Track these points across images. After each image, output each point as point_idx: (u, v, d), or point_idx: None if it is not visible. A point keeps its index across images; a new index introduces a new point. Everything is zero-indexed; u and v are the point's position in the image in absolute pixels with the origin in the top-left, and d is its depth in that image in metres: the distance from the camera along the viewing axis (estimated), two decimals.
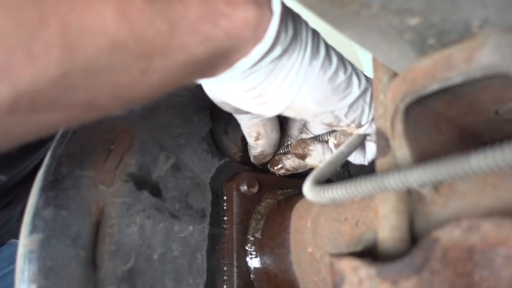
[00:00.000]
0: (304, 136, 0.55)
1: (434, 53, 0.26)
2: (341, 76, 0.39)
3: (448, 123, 0.32)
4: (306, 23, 0.39)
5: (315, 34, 0.39)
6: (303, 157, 0.52)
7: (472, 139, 0.34)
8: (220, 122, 0.57)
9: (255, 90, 0.38)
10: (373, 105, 0.42)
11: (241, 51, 0.34)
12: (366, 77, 0.42)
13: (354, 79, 0.40)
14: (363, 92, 0.41)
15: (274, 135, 0.53)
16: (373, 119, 0.42)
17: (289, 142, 0.56)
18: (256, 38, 0.34)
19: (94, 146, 0.43)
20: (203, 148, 0.52)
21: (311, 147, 0.52)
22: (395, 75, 0.31)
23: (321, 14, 0.26)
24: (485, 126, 0.34)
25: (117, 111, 0.33)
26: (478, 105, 0.30)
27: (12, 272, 0.90)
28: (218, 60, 0.34)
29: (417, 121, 0.29)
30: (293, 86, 0.38)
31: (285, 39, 0.35)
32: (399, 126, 0.28)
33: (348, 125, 0.42)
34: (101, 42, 0.27)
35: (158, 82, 0.32)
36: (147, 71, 0.31)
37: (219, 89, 0.40)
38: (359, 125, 0.42)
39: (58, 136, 0.43)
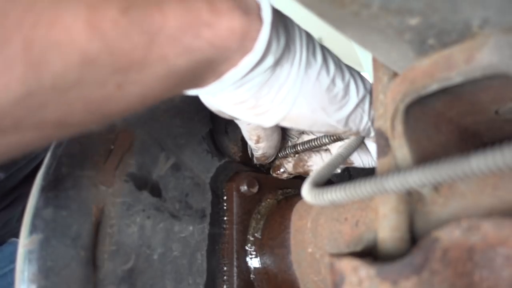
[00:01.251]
0: (305, 137, 0.55)
1: (434, 53, 0.26)
2: (339, 85, 0.38)
3: (448, 123, 0.32)
4: (299, 28, 0.37)
5: (310, 39, 0.37)
6: (305, 174, 0.53)
7: (472, 139, 0.34)
8: (220, 122, 0.57)
9: (247, 103, 0.36)
10: (372, 111, 0.41)
11: (228, 61, 0.32)
12: (364, 82, 0.40)
13: (352, 87, 0.39)
14: (361, 100, 0.39)
15: (275, 137, 0.52)
16: (371, 125, 0.41)
17: (289, 144, 0.56)
18: (244, 48, 0.32)
19: (94, 146, 0.43)
20: (203, 148, 0.52)
21: (309, 163, 0.53)
22: (395, 75, 0.31)
23: (321, 14, 0.26)
24: (485, 126, 0.34)
25: (94, 126, 0.31)
26: (478, 105, 0.30)
27: (12, 271, 0.90)
28: (204, 71, 0.32)
29: (417, 121, 0.29)
30: (288, 98, 0.36)
31: (277, 48, 0.34)
32: (399, 126, 0.28)
33: (345, 132, 0.41)
34: (69, 58, 0.26)
35: (137, 96, 0.30)
36: (123, 85, 0.29)
37: (211, 99, 0.38)
38: (357, 133, 0.41)
39: None
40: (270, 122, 0.38)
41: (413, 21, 0.24)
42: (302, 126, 0.40)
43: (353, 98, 0.39)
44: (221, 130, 0.56)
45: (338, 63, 0.39)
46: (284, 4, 0.42)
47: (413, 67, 0.27)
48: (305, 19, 0.39)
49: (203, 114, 0.53)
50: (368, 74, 0.43)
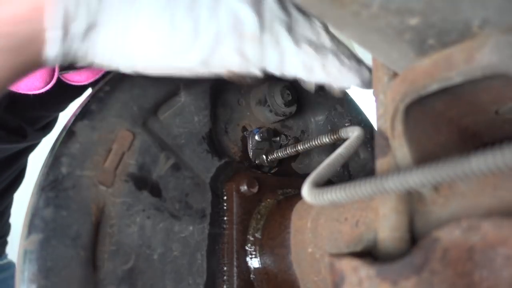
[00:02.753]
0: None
1: (434, 53, 0.26)
2: (181, 29, 0.35)
3: (448, 123, 0.32)
4: None
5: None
6: None
7: (472, 139, 0.34)
8: (220, 122, 0.57)
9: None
10: (250, 51, 0.37)
11: (41, 40, 0.34)
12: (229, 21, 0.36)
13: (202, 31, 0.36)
14: (218, 43, 0.36)
15: None
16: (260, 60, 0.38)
17: (288, 144, 0.56)
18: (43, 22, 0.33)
19: (94, 146, 0.43)
20: (203, 148, 0.52)
21: None
22: (395, 75, 0.31)
23: (321, 14, 0.26)
24: (485, 126, 0.34)
25: None
26: (478, 105, 0.30)
27: None
28: (27, 49, 0.34)
29: (417, 121, 0.29)
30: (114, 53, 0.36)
31: (87, 14, 0.34)
32: (399, 126, 0.28)
33: (224, 74, 0.38)
34: None
35: None
36: None
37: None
38: (239, 75, 0.38)
39: (57, 136, 0.43)
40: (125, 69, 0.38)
41: (413, 21, 0.24)
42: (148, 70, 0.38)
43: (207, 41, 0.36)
44: (221, 130, 0.56)
45: (196, 14, 0.36)
46: None
47: (413, 67, 0.27)
48: None
49: (203, 114, 0.53)
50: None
